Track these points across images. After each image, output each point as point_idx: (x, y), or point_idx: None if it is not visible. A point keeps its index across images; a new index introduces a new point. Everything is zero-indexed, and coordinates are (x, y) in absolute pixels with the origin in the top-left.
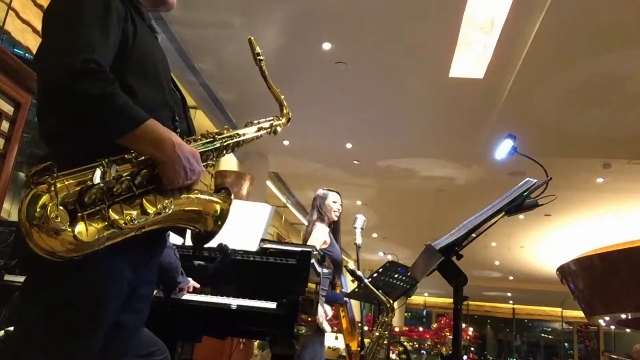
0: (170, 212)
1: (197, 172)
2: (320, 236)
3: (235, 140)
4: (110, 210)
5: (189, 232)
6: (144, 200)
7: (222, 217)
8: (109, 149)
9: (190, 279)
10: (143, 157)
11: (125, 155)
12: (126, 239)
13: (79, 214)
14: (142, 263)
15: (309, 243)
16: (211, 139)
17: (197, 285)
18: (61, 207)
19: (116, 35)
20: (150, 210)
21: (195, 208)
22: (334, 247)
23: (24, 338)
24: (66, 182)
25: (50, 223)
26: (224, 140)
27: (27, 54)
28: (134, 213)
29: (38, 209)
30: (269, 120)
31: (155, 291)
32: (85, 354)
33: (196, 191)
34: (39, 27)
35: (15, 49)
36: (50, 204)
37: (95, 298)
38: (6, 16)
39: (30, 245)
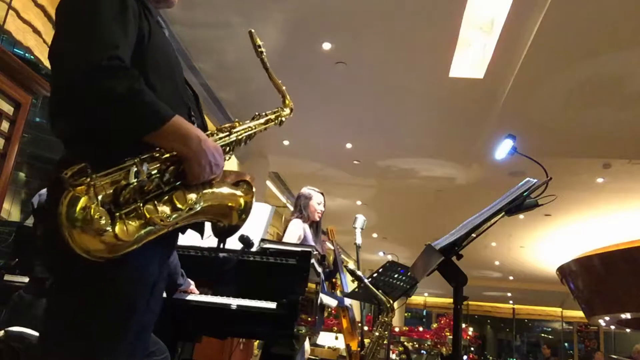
0: (200, 207)
1: (221, 166)
2: (294, 231)
3: (248, 133)
4: (144, 208)
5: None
6: (174, 197)
7: (246, 210)
8: (131, 148)
9: (191, 281)
10: (168, 154)
11: (154, 153)
12: (153, 239)
13: (117, 214)
14: (165, 260)
15: (284, 239)
16: (227, 133)
17: (196, 291)
18: (102, 208)
19: (134, 32)
20: (182, 206)
21: (222, 203)
22: (309, 242)
23: (58, 339)
24: (102, 183)
25: (95, 224)
26: (239, 133)
27: (27, 54)
28: (168, 210)
29: (79, 211)
30: (275, 112)
31: None
32: (118, 354)
33: (216, 185)
34: (39, 27)
35: (15, 49)
36: (93, 206)
37: (128, 297)
38: (6, 16)
39: (73, 247)
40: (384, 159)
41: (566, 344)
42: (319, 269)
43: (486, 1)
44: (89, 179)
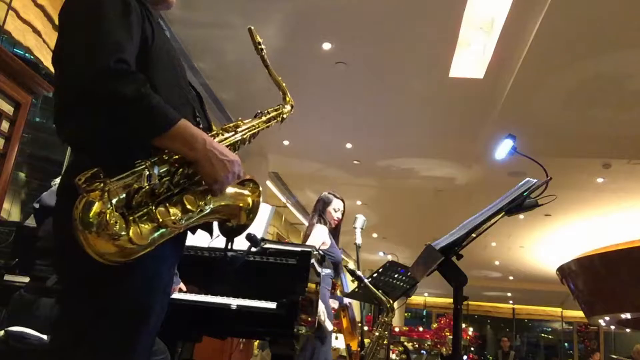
0: (210, 209)
1: (237, 162)
2: (319, 237)
3: (252, 132)
4: (156, 211)
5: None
6: (184, 199)
7: (253, 210)
8: (139, 150)
9: (179, 280)
10: (177, 156)
11: (163, 156)
12: (164, 242)
13: (130, 218)
14: (176, 261)
15: (307, 244)
16: (232, 132)
17: (184, 288)
18: (116, 213)
19: (138, 35)
20: (192, 207)
21: (231, 202)
22: (335, 248)
23: (73, 345)
24: (115, 187)
25: (110, 229)
26: (244, 132)
27: (27, 54)
28: (179, 212)
29: (94, 216)
30: (276, 109)
31: None
32: (142, 355)
33: None
34: (39, 27)
35: (15, 49)
36: (108, 211)
37: (143, 301)
38: (6, 16)
39: (88, 251)
40: (384, 159)
41: (566, 344)
42: (320, 269)
43: (486, 1)
44: (102, 184)
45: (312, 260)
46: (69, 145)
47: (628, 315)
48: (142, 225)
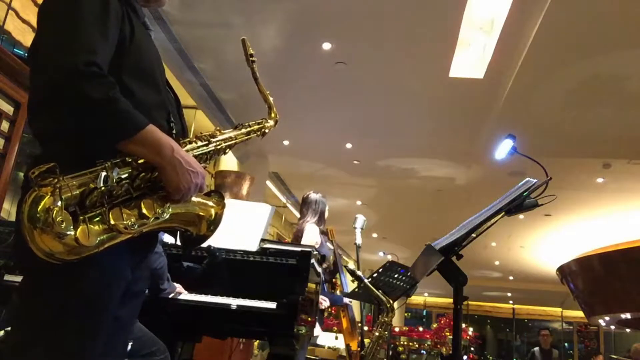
0: (167, 216)
1: (201, 174)
2: (313, 237)
3: (227, 143)
4: (110, 213)
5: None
6: (142, 203)
7: (215, 222)
8: (105, 150)
9: (177, 285)
10: (142, 160)
11: (127, 158)
12: (124, 240)
13: (80, 217)
14: (138, 262)
15: (302, 242)
16: (206, 142)
17: (184, 291)
18: (65, 211)
19: (114, 36)
20: (149, 214)
21: (191, 211)
22: (324, 248)
23: (29, 337)
24: (69, 184)
25: (55, 227)
26: (218, 143)
27: (27, 54)
28: (133, 217)
29: (41, 212)
30: (259, 123)
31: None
32: (91, 352)
33: None
34: None
35: (15, 49)
36: (56, 208)
37: (98, 299)
38: (6, 16)
39: (31, 247)
40: (384, 159)
41: (566, 344)
42: (319, 269)
43: (486, 1)
44: (55, 180)
45: (312, 260)
46: (36, 138)
47: (628, 315)
48: (92, 226)
